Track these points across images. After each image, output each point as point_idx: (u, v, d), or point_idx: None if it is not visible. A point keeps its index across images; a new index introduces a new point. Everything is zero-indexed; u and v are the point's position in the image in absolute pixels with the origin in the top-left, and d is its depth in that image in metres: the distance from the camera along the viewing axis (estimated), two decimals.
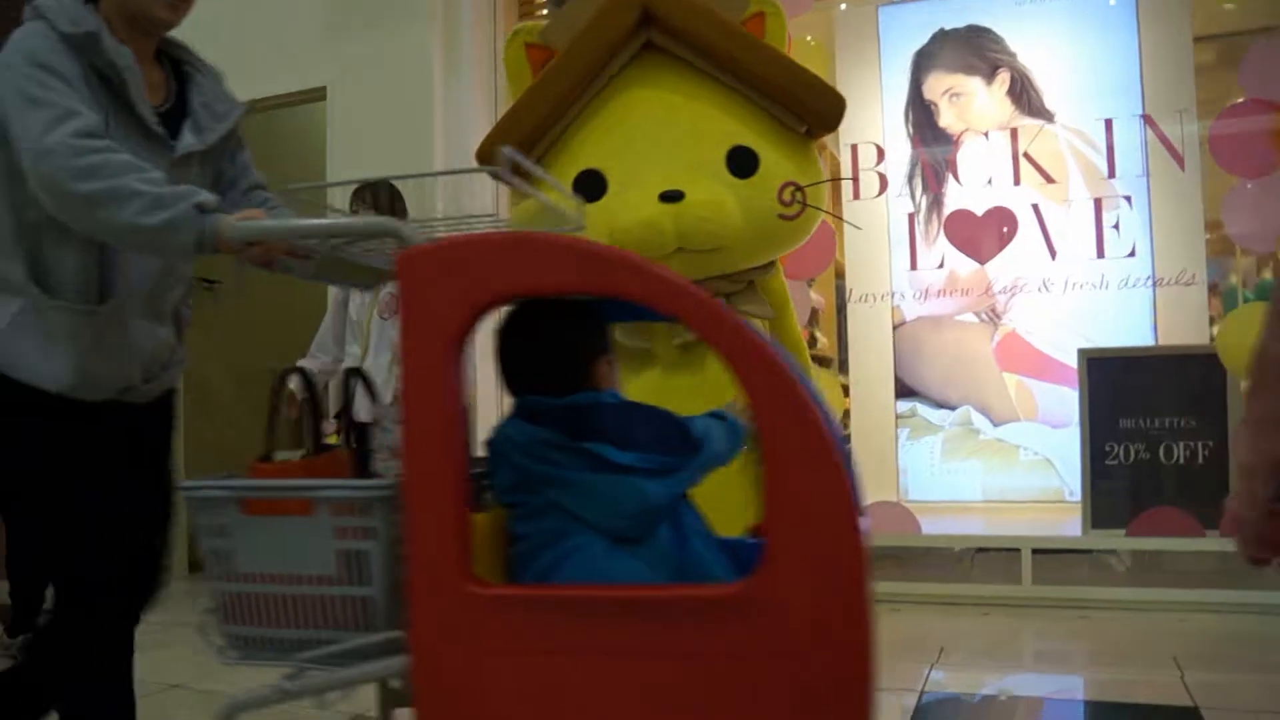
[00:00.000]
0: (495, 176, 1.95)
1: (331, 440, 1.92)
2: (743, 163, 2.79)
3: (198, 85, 1.89)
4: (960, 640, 3.25)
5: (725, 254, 2.79)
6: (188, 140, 1.81)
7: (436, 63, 4.57)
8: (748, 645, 1.27)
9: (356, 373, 1.91)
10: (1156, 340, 4.52)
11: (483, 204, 4.60)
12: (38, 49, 1.65)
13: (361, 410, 1.83)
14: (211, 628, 1.49)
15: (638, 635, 1.30)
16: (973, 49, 5.04)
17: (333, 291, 3.91)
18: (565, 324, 1.51)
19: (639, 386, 2.82)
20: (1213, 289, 5.32)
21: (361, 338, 3.85)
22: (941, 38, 5.09)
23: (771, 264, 3.02)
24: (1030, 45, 4.90)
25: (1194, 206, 4.55)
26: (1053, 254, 4.66)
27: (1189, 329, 4.52)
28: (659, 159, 2.81)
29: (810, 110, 2.84)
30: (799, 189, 2.78)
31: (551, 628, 1.33)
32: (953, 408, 5.00)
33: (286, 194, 1.83)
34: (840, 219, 4.03)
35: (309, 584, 1.42)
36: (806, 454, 1.26)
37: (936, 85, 5.10)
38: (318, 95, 4.70)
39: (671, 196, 2.69)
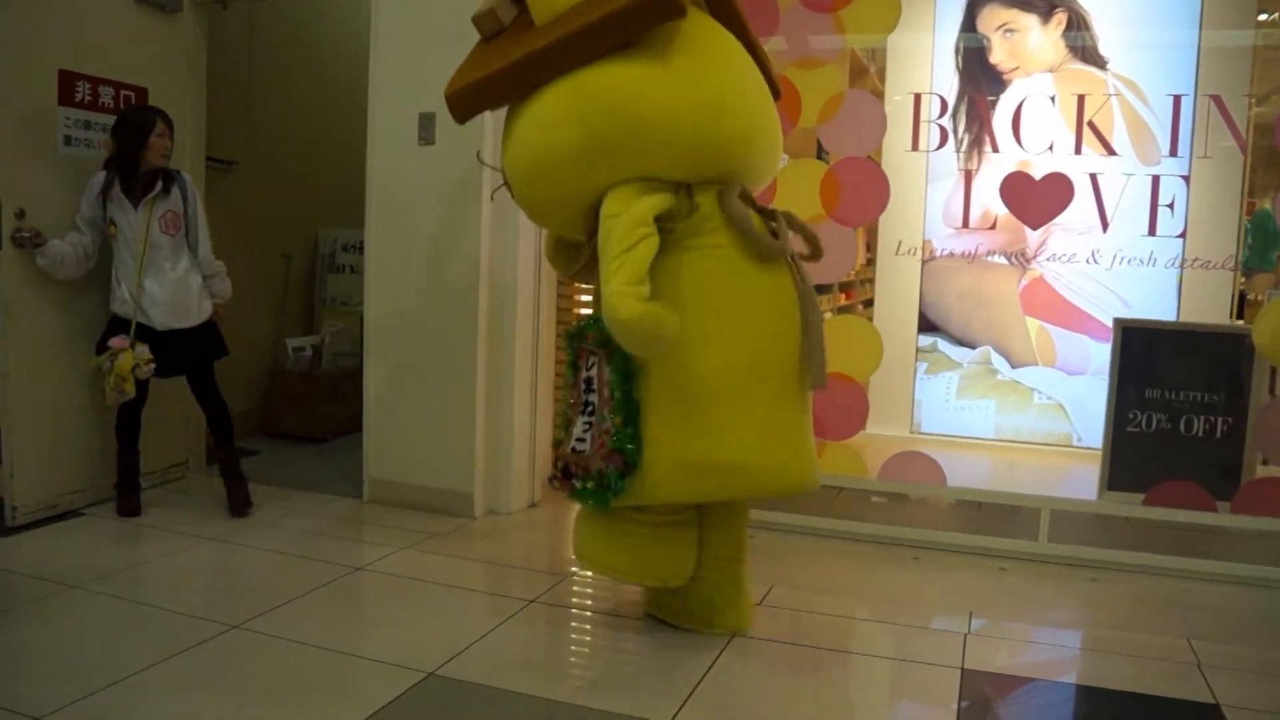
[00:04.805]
0: None
1: None
2: None
3: None
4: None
5: None
6: None
7: None
8: None
9: None
10: (1178, 316, 4.65)
11: None
12: None
13: None
14: None
15: None
16: None
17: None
18: None
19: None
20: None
21: (138, 253, 3.82)
22: None
23: None
24: None
25: (1235, 190, 4.62)
26: (1105, 226, 4.69)
27: (1211, 310, 4.65)
28: None
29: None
30: None
31: None
32: (973, 346, 5.13)
33: None
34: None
35: None
36: None
37: (991, 19, 5.02)
38: None
39: None
